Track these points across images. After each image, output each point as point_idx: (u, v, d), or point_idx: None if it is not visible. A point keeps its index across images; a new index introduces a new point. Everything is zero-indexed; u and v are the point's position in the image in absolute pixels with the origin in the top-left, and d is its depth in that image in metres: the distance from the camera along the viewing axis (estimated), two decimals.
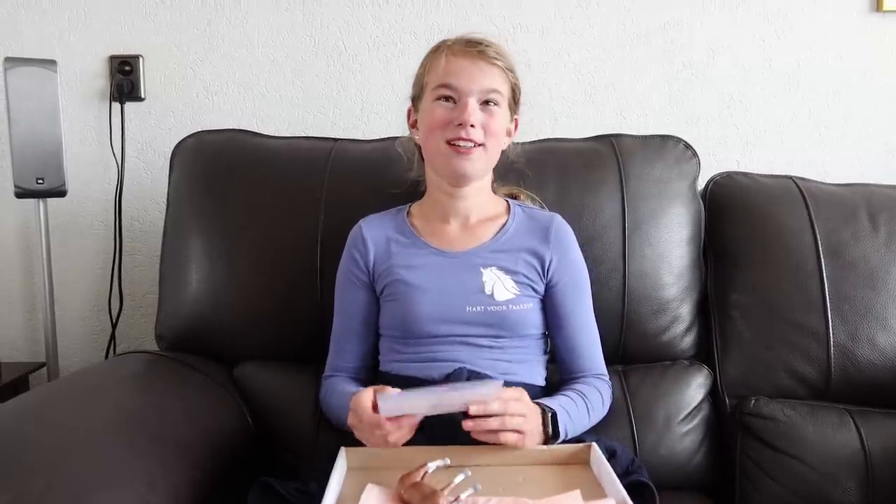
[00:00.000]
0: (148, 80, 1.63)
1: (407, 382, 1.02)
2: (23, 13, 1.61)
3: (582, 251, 1.19)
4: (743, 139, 1.62)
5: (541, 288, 1.13)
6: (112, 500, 0.86)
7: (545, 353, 1.17)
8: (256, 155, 1.37)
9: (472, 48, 1.09)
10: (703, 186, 1.41)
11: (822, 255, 1.27)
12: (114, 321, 1.65)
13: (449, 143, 1.08)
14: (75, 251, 1.67)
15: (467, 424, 0.90)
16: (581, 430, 1.07)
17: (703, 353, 1.34)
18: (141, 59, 1.62)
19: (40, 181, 1.49)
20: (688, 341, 1.33)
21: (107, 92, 1.62)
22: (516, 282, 1.11)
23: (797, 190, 1.34)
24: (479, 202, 1.16)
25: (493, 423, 0.90)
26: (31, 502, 0.79)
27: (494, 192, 1.23)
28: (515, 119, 1.17)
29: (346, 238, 1.21)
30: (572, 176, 1.32)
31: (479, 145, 1.08)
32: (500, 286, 1.10)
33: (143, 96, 1.62)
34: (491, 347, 1.08)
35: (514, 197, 1.25)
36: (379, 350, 1.18)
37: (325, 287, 1.26)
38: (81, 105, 1.64)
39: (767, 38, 1.59)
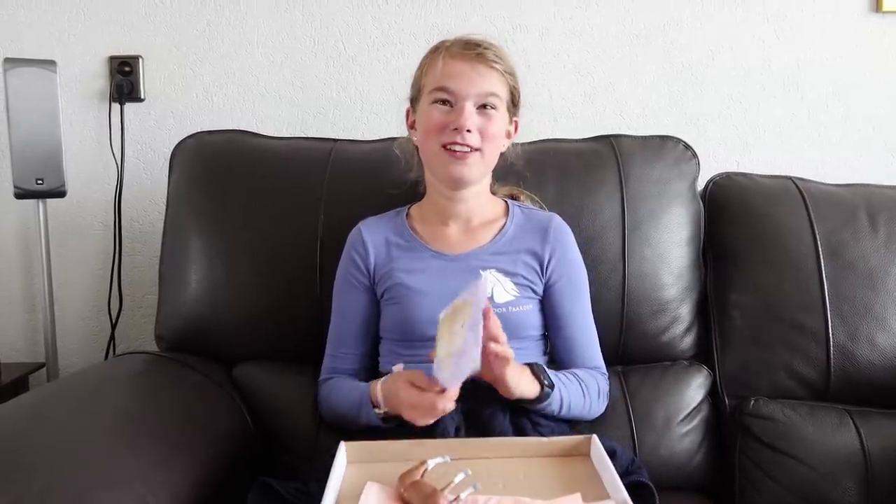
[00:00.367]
0: (147, 80, 1.63)
1: None
2: (22, 14, 1.61)
3: (581, 252, 1.19)
4: (742, 139, 1.62)
5: (539, 289, 1.14)
6: (111, 500, 0.86)
7: (545, 353, 1.17)
8: (256, 156, 1.37)
9: (471, 51, 1.08)
10: (703, 187, 1.41)
11: (821, 256, 1.27)
12: (113, 321, 1.65)
13: (445, 147, 1.07)
14: (75, 252, 1.67)
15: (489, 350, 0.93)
16: (577, 404, 1.08)
17: (703, 354, 1.34)
18: (140, 59, 1.62)
19: (40, 182, 1.49)
20: (687, 342, 1.33)
21: (106, 92, 1.62)
22: (516, 283, 1.11)
23: (797, 190, 1.34)
24: (478, 204, 1.16)
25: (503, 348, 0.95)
26: (30, 503, 0.79)
27: (494, 193, 1.23)
28: (515, 121, 1.17)
29: (345, 239, 1.21)
30: (572, 176, 1.32)
31: (476, 150, 1.08)
32: (499, 288, 1.10)
33: (142, 97, 1.62)
34: None
35: (514, 198, 1.25)
36: (377, 353, 1.19)
37: (325, 287, 1.26)
38: (81, 106, 1.64)
39: (767, 39, 1.59)
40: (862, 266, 1.26)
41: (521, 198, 1.27)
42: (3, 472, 0.83)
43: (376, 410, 1.04)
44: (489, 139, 1.08)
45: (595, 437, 0.93)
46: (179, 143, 1.40)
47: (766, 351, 1.27)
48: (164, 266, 1.36)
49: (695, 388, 1.29)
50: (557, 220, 1.19)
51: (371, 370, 1.18)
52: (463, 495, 0.79)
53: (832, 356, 1.24)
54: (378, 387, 1.04)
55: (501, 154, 1.17)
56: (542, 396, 1.02)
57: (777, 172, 1.42)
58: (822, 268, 1.26)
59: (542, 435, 1.01)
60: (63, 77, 1.56)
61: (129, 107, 1.63)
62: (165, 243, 1.37)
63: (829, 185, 1.39)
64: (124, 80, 1.60)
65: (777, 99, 1.61)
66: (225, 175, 1.35)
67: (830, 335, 1.24)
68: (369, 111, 1.63)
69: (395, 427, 1.03)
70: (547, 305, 1.14)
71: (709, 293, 1.35)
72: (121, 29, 1.62)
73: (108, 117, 1.62)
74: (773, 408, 1.24)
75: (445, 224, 1.16)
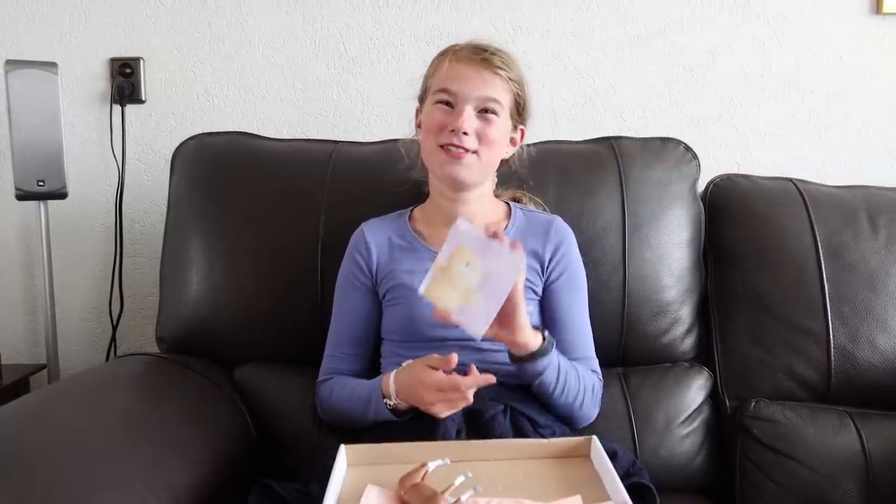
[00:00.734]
0: (148, 82, 1.63)
1: None
2: (23, 16, 1.62)
3: (582, 253, 1.19)
4: (743, 141, 1.62)
5: (539, 289, 1.14)
6: (113, 501, 0.87)
7: None
8: (257, 157, 1.37)
9: (477, 55, 1.08)
10: (703, 188, 1.41)
11: (822, 257, 1.27)
12: (114, 323, 1.65)
13: (442, 146, 1.08)
14: (76, 253, 1.67)
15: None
16: (572, 386, 1.07)
17: (704, 356, 1.34)
18: (142, 61, 1.62)
19: (41, 183, 1.49)
20: (688, 343, 1.33)
21: (107, 94, 1.63)
22: None
23: (797, 192, 1.34)
24: (481, 207, 1.17)
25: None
26: None
27: (498, 196, 1.23)
28: (521, 129, 1.17)
29: (346, 240, 1.21)
30: (572, 178, 1.32)
31: (472, 152, 1.08)
32: None
33: (143, 98, 1.63)
34: (493, 350, 1.09)
35: (517, 201, 1.25)
36: (376, 355, 1.19)
37: (326, 289, 1.26)
38: (82, 107, 1.64)
39: (767, 41, 1.59)
40: (862, 267, 1.26)
41: (524, 201, 1.27)
42: (5, 473, 0.83)
43: (386, 401, 1.04)
44: (487, 144, 1.09)
45: (595, 439, 0.93)
46: (180, 144, 1.41)
47: (767, 352, 1.27)
48: (165, 268, 1.37)
49: (695, 390, 1.29)
50: (559, 221, 1.19)
51: (370, 372, 1.18)
52: (463, 498, 0.79)
53: (833, 358, 1.24)
54: (391, 378, 1.04)
55: (506, 161, 1.17)
56: (543, 349, 1.01)
57: (777, 174, 1.42)
58: (823, 269, 1.26)
59: (542, 437, 1.01)
60: (64, 79, 1.56)
61: (130, 108, 1.63)
62: (166, 245, 1.37)
63: (829, 186, 1.39)
64: (125, 82, 1.61)
65: (777, 101, 1.61)
66: (226, 177, 1.36)
67: (831, 337, 1.24)
68: (370, 113, 1.63)
69: (402, 423, 1.03)
70: (545, 305, 1.14)
71: (709, 295, 1.35)
72: (122, 31, 1.62)
73: (110, 119, 1.62)
74: (773, 409, 1.24)
75: (448, 225, 1.16)
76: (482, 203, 1.17)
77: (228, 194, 1.34)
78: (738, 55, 1.59)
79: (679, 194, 1.33)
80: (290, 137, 1.47)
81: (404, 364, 1.04)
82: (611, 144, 1.37)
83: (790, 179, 1.39)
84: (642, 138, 1.39)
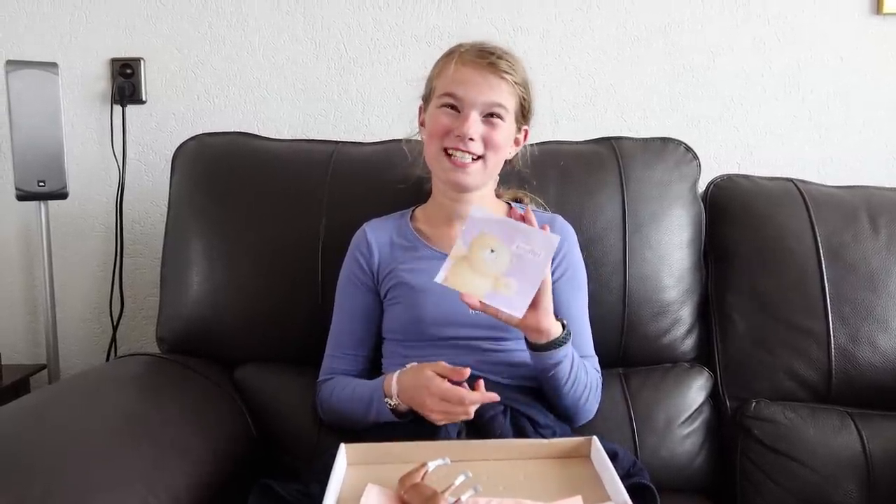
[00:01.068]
0: (149, 82, 1.63)
1: None
2: (24, 16, 1.62)
3: (582, 253, 1.19)
4: (743, 141, 1.62)
5: None
6: (113, 501, 0.87)
7: None
8: (258, 157, 1.37)
9: (483, 59, 1.07)
10: (704, 189, 1.41)
11: (822, 258, 1.27)
12: (115, 323, 1.65)
13: (446, 151, 1.08)
14: (76, 254, 1.67)
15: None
16: (581, 377, 1.07)
17: (704, 356, 1.34)
18: (142, 61, 1.62)
19: (42, 184, 1.49)
20: (688, 344, 1.33)
21: (108, 94, 1.63)
22: None
23: (798, 192, 1.34)
24: (483, 206, 1.16)
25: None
26: None
27: (499, 196, 1.23)
28: (525, 129, 1.17)
29: (347, 240, 1.21)
30: (573, 178, 1.32)
31: (478, 158, 1.08)
32: None
33: (144, 99, 1.63)
34: (494, 350, 1.09)
35: (519, 201, 1.26)
36: (377, 355, 1.19)
37: (327, 289, 1.26)
38: (83, 108, 1.64)
39: (768, 41, 1.59)
40: (863, 268, 1.26)
41: (526, 200, 1.27)
42: (5, 473, 0.83)
43: (387, 401, 1.03)
44: (493, 148, 1.09)
45: (595, 439, 0.93)
46: (181, 145, 1.41)
47: (768, 353, 1.27)
48: (165, 268, 1.37)
49: (696, 390, 1.29)
50: (560, 220, 1.19)
51: (371, 372, 1.18)
52: (464, 497, 0.79)
53: (833, 358, 1.24)
54: (394, 378, 1.04)
55: (509, 161, 1.18)
56: (563, 337, 1.01)
57: (778, 174, 1.42)
58: (824, 270, 1.26)
59: (542, 437, 1.01)
60: (65, 79, 1.57)
61: (131, 109, 1.64)
62: (167, 245, 1.37)
63: (830, 186, 1.39)
64: (126, 83, 1.61)
65: (778, 101, 1.61)
66: (226, 177, 1.36)
67: (831, 337, 1.24)
68: (371, 113, 1.63)
69: (402, 424, 1.03)
70: None
71: (710, 295, 1.35)
72: (122, 31, 1.62)
73: (110, 119, 1.62)
74: (774, 410, 1.24)
75: (450, 225, 1.17)
76: (484, 202, 1.17)
77: (229, 195, 1.34)
78: (739, 55, 1.59)
79: (679, 194, 1.33)
80: (290, 138, 1.48)
81: (409, 365, 1.04)
82: (611, 145, 1.37)
83: (791, 180, 1.39)
84: (643, 138, 1.39)
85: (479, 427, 1.00)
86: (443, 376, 0.97)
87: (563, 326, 1.02)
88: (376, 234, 1.18)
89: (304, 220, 1.31)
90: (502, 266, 0.91)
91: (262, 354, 1.32)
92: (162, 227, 1.40)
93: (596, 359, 1.17)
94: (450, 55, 1.12)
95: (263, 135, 1.45)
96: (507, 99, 1.09)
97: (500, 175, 1.21)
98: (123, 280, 1.65)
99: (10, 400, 1.06)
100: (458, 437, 0.99)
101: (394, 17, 1.61)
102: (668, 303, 1.30)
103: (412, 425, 1.02)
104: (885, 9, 1.55)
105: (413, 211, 1.23)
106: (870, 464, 1.17)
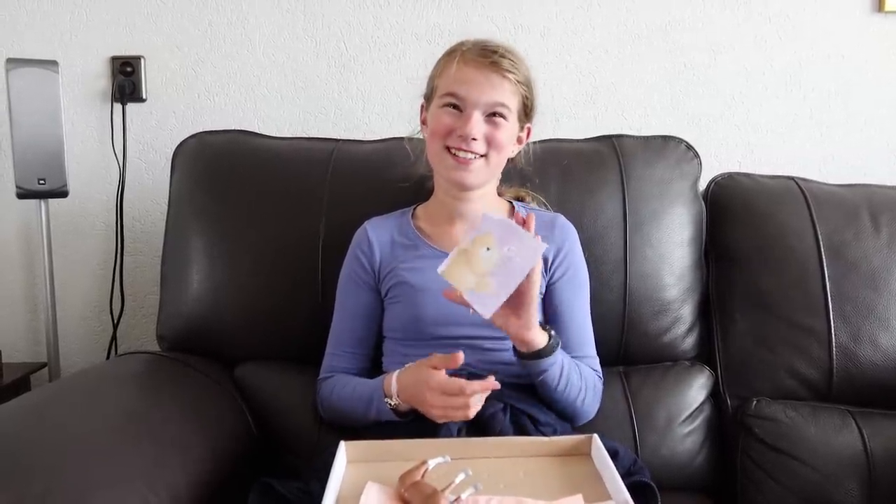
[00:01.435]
0: (149, 80, 1.63)
1: None
2: (24, 14, 1.62)
3: (583, 252, 1.19)
4: (744, 140, 1.61)
5: (543, 287, 1.14)
6: (113, 499, 0.87)
7: None
8: (258, 156, 1.37)
9: (486, 58, 1.07)
10: (705, 187, 1.41)
11: (823, 256, 1.27)
12: (115, 322, 1.65)
13: (449, 149, 1.08)
14: (77, 252, 1.67)
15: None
16: (575, 382, 1.07)
17: (705, 354, 1.34)
18: (142, 59, 1.62)
19: (42, 182, 1.49)
20: (689, 342, 1.32)
21: (108, 93, 1.63)
22: None
23: (799, 190, 1.34)
24: (484, 205, 1.16)
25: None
26: (31, 503, 0.79)
27: (501, 194, 1.23)
28: (528, 127, 1.17)
29: (348, 239, 1.21)
30: (573, 177, 1.32)
31: (481, 156, 1.08)
32: None
33: (144, 97, 1.63)
34: (494, 350, 1.09)
35: (521, 199, 1.25)
36: (378, 353, 1.19)
37: (327, 288, 1.26)
38: (83, 106, 1.64)
39: (769, 39, 1.59)
40: (864, 266, 1.26)
41: (528, 199, 1.27)
42: (5, 471, 0.83)
43: (388, 400, 1.03)
44: (495, 147, 1.08)
45: (596, 437, 0.93)
46: (181, 143, 1.40)
47: (768, 351, 1.27)
48: (165, 266, 1.37)
49: (697, 389, 1.29)
50: (562, 219, 1.19)
51: (372, 371, 1.18)
52: (464, 495, 0.79)
53: (834, 357, 1.24)
54: (394, 378, 1.04)
55: (511, 159, 1.17)
56: (549, 348, 1.01)
57: (779, 172, 1.42)
58: (825, 268, 1.26)
59: (543, 435, 1.01)
60: (65, 77, 1.56)
61: (131, 107, 1.63)
62: (167, 243, 1.37)
63: (831, 185, 1.38)
64: (126, 81, 1.61)
65: (779, 99, 1.60)
66: (227, 175, 1.35)
67: (833, 336, 1.24)
68: (371, 111, 1.63)
69: (403, 423, 1.03)
70: (547, 303, 1.14)
71: (710, 294, 1.35)
72: (123, 29, 1.62)
73: (110, 117, 1.62)
74: (775, 408, 1.24)
75: (451, 224, 1.17)
76: (486, 201, 1.17)
77: (229, 193, 1.34)
78: (740, 53, 1.59)
79: (680, 193, 1.33)
80: (290, 136, 1.47)
81: (408, 365, 1.04)
82: (612, 143, 1.37)
83: (792, 178, 1.38)
84: (644, 137, 1.38)
85: (479, 425, 1.00)
86: (438, 368, 0.97)
87: (550, 337, 1.02)
88: (377, 233, 1.18)
89: (305, 219, 1.30)
90: (490, 265, 0.91)
91: (262, 353, 1.32)
92: (162, 226, 1.40)
93: (597, 360, 1.17)
94: (452, 54, 1.11)
95: (264, 133, 1.45)
96: (509, 98, 1.08)
97: (502, 173, 1.20)
98: (124, 278, 1.65)
99: (11, 398, 1.06)
100: (459, 434, 0.99)
101: (394, 14, 1.61)
102: (668, 301, 1.30)
103: (413, 424, 1.02)
104: (887, 7, 1.55)
105: (414, 209, 1.23)
106: (871, 462, 1.17)
